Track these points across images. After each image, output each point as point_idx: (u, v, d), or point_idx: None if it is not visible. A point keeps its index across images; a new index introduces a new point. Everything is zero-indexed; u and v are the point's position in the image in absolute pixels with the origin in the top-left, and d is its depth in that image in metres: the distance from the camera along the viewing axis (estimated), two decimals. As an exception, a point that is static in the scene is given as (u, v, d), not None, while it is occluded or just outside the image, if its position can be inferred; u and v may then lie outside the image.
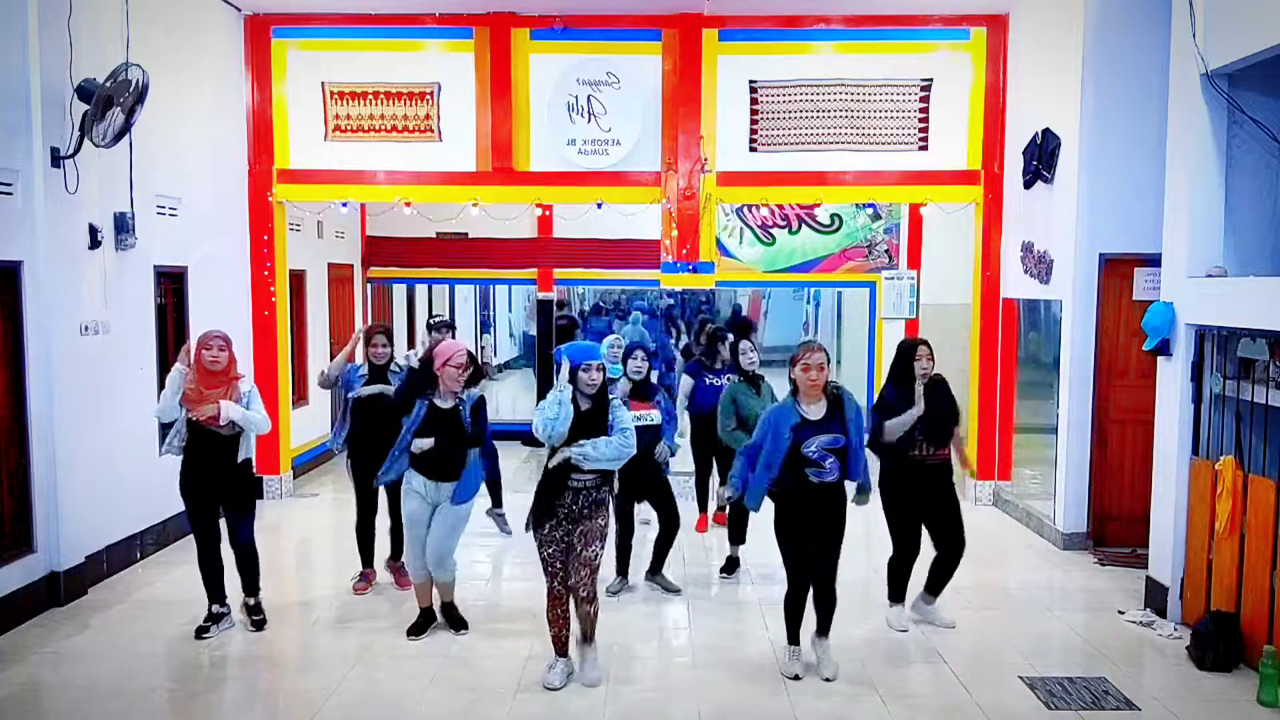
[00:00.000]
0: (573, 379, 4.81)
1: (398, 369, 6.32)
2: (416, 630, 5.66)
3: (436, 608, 5.75)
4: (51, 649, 5.49)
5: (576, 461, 4.78)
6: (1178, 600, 5.89)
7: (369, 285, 12.00)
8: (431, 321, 7.66)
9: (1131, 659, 5.44)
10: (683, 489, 7.56)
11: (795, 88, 8.88)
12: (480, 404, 5.54)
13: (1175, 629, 5.75)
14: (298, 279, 9.79)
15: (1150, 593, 6.14)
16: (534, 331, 12.88)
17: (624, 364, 6.42)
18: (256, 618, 5.77)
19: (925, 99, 8.86)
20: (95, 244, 6.52)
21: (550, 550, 4.91)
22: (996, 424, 8.83)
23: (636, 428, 5.53)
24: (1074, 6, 7.37)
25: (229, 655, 5.46)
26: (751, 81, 8.89)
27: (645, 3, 8.61)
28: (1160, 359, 6.06)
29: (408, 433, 5.41)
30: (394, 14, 8.73)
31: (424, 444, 5.35)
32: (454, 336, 7.22)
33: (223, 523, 5.70)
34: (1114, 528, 7.44)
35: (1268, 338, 5.23)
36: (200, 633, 5.63)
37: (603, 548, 4.99)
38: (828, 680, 5.04)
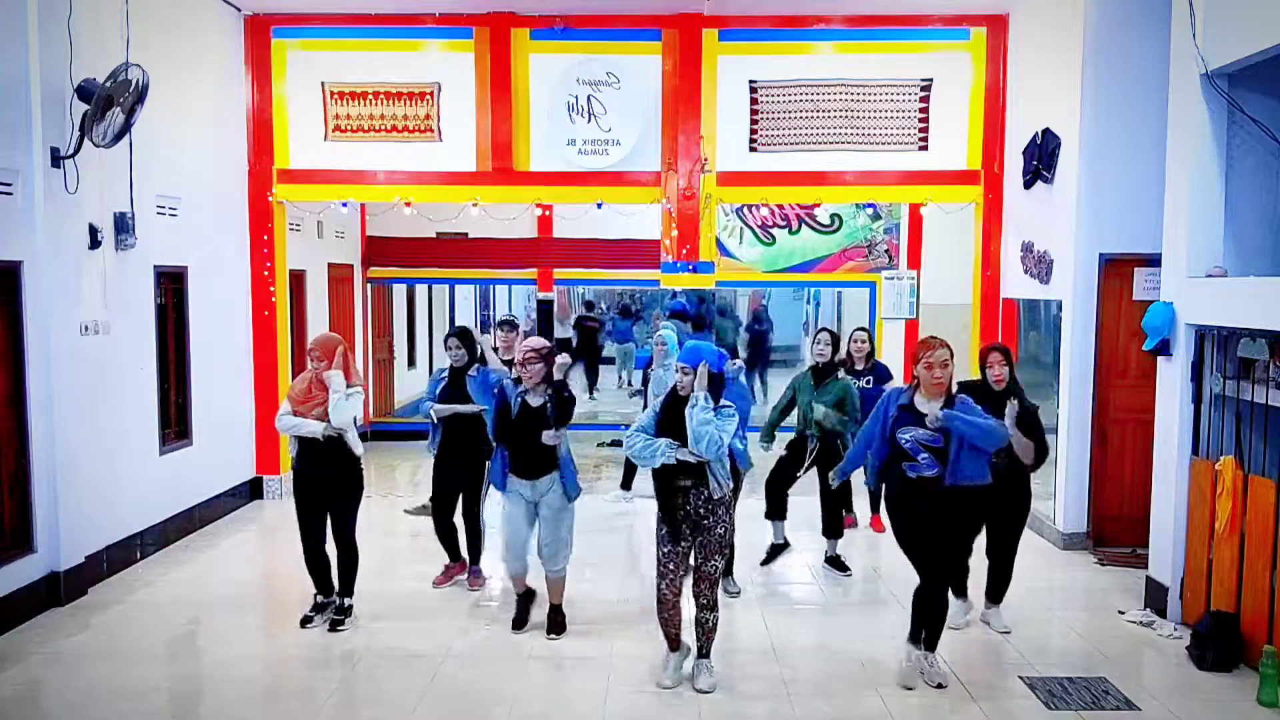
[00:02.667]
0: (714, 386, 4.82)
1: (472, 373, 6.32)
2: (519, 623, 5.72)
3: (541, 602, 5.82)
4: (51, 649, 5.49)
5: (684, 459, 4.74)
6: (1178, 600, 5.89)
7: (369, 285, 12.00)
8: (502, 320, 7.73)
9: (1131, 659, 5.44)
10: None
11: (795, 88, 8.88)
12: (560, 389, 5.54)
13: (1175, 629, 5.75)
14: (298, 279, 9.80)
15: (1150, 593, 6.14)
16: (533, 332, 12.87)
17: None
18: (339, 617, 5.81)
19: (925, 99, 8.86)
20: (95, 244, 6.52)
21: (665, 550, 4.88)
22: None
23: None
24: (1074, 6, 7.37)
25: (229, 655, 5.46)
26: (751, 81, 8.89)
27: (645, 3, 8.61)
28: (1160, 359, 6.06)
29: (500, 429, 5.53)
30: (394, 14, 8.73)
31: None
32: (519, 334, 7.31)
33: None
34: (1114, 528, 7.44)
35: (1268, 338, 5.23)
36: (305, 622, 5.81)
37: (723, 559, 4.96)
38: (940, 687, 4.94)
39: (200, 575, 6.89)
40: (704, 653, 5.02)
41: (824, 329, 7.04)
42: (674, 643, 5.03)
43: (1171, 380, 5.95)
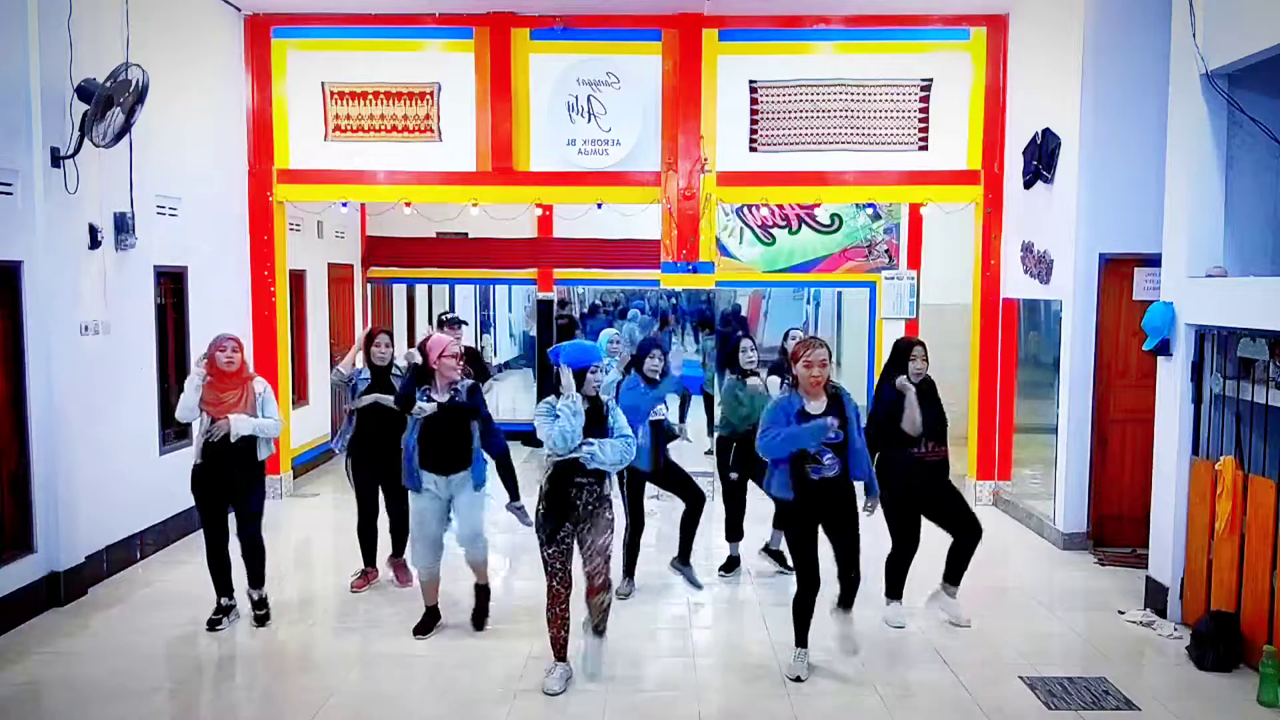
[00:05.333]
0: (579, 382, 4.82)
1: (398, 371, 6.34)
2: (423, 629, 5.68)
3: (461, 600, 5.84)
4: (51, 649, 5.49)
5: (584, 461, 4.79)
6: (1178, 600, 5.89)
7: (369, 285, 12.00)
8: (443, 318, 7.64)
9: (1131, 659, 5.44)
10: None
11: (795, 88, 8.88)
12: (474, 388, 5.60)
13: (1175, 629, 5.75)
14: (298, 279, 9.79)
15: (1150, 593, 6.14)
16: (534, 332, 12.88)
17: (639, 361, 6.31)
18: (260, 612, 5.83)
19: (925, 99, 8.86)
20: (95, 244, 6.52)
21: (552, 550, 4.91)
22: (996, 424, 8.83)
23: (652, 422, 5.95)
24: (1074, 6, 7.37)
25: (229, 655, 5.47)
26: (751, 81, 8.89)
27: (645, 3, 8.61)
28: (1160, 359, 6.06)
29: (411, 435, 5.46)
30: (394, 14, 8.73)
31: (427, 408, 5.40)
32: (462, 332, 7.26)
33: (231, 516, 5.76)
34: (1114, 528, 7.44)
35: (1268, 338, 5.23)
36: (212, 625, 5.72)
37: (612, 535, 5.03)
38: (854, 654, 5.10)
39: (200, 575, 6.84)
40: (599, 630, 5.08)
41: (745, 336, 7.02)
42: (562, 649, 5.02)
43: (1171, 380, 5.95)
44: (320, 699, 4.87)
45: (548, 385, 12.84)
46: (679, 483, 6.47)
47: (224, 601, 5.81)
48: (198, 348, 7.86)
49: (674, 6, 8.62)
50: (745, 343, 6.85)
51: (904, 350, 5.70)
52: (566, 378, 4.82)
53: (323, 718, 4.69)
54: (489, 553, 5.82)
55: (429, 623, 5.72)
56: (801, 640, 5.18)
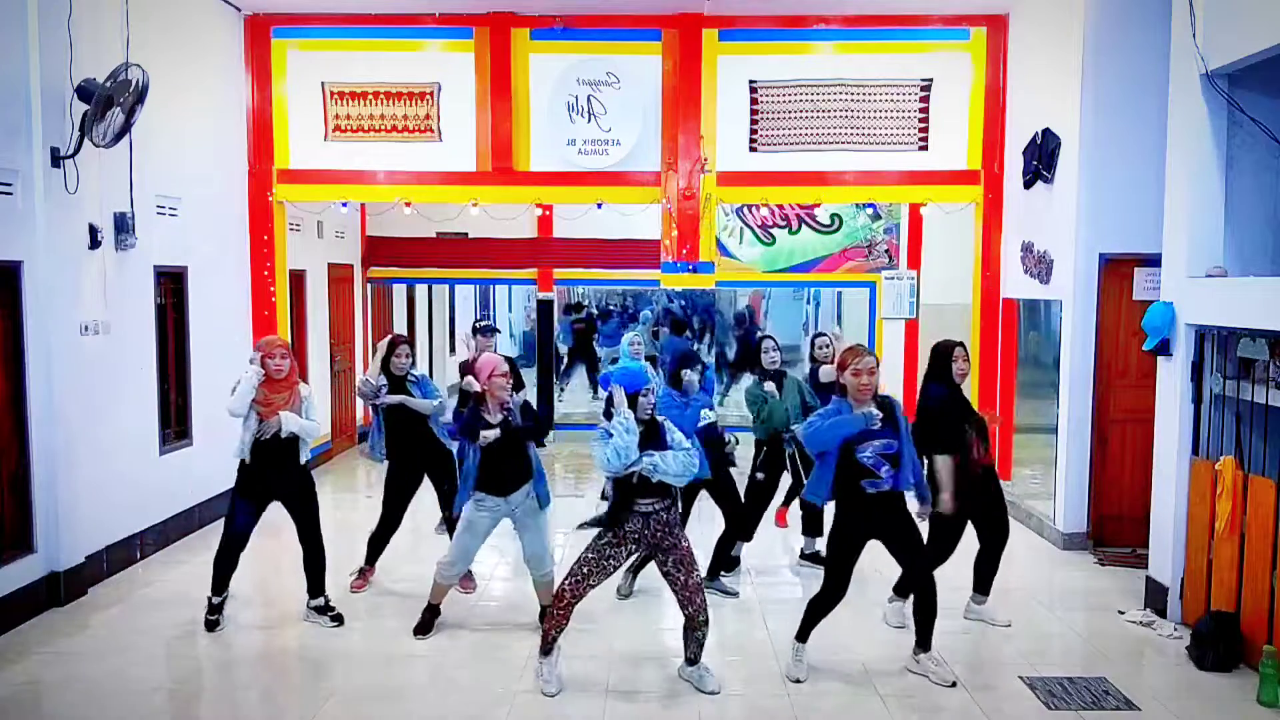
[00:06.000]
0: (631, 405, 4.76)
1: (413, 379, 6.33)
2: (424, 629, 5.67)
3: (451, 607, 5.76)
4: (51, 649, 5.48)
5: (646, 473, 4.70)
6: (1178, 600, 5.89)
7: (369, 285, 12.00)
8: (477, 325, 7.49)
9: (1131, 659, 5.44)
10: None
11: (795, 88, 8.88)
12: (526, 405, 5.59)
13: (1175, 629, 5.75)
14: (298, 279, 9.79)
15: (1150, 593, 6.14)
16: (535, 333, 12.87)
17: (675, 378, 6.17)
18: (333, 613, 5.85)
19: (925, 99, 8.86)
20: (95, 244, 6.52)
21: (593, 556, 4.84)
22: (996, 424, 8.82)
23: (702, 428, 5.82)
24: (1074, 6, 7.37)
25: (229, 655, 5.46)
26: (751, 81, 8.90)
27: (645, 3, 8.61)
28: (1160, 359, 6.06)
29: (468, 458, 5.46)
30: (394, 14, 8.73)
31: (490, 435, 5.35)
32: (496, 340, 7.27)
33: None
34: (1114, 528, 7.44)
35: (1268, 338, 5.23)
36: (211, 625, 5.73)
37: (697, 569, 4.94)
38: (951, 685, 4.97)
39: (200, 575, 6.83)
40: (696, 660, 5.01)
41: (767, 336, 6.92)
42: (551, 644, 4.97)
43: (1171, 380, 5.95)
44: (320, 699, 4.87)
45: (547, 384, 12.86)
46: (727, 496, 6.36)
47: (215, 600, 5.79)
48: (198, 348, 7.90)
49: (674, 6, 8.62)
50: (768, 343, 6.73)
51: (945, 353, 5.61)
52: (619, 396, 4.73)
53: (323, 718, 4.69)
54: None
55: (430, 621, 5.70)
56: (803, 635, 5.15)
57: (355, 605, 6.19)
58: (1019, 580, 6.84)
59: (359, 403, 11.44)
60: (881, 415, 4.82)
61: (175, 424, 7.76)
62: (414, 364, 6.41)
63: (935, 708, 4.81)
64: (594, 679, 5.10)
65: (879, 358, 4.96)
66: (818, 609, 5.12)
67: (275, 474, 5.68)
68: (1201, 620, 5.41)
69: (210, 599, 5.78)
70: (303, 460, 5.80)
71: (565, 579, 4.92)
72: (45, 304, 6.03)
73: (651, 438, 4.77)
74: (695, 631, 4.92)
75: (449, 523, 6.49)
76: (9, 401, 5.92)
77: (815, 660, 5.25)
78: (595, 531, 4.96)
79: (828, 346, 6.98)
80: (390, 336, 6.48)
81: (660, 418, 4.94)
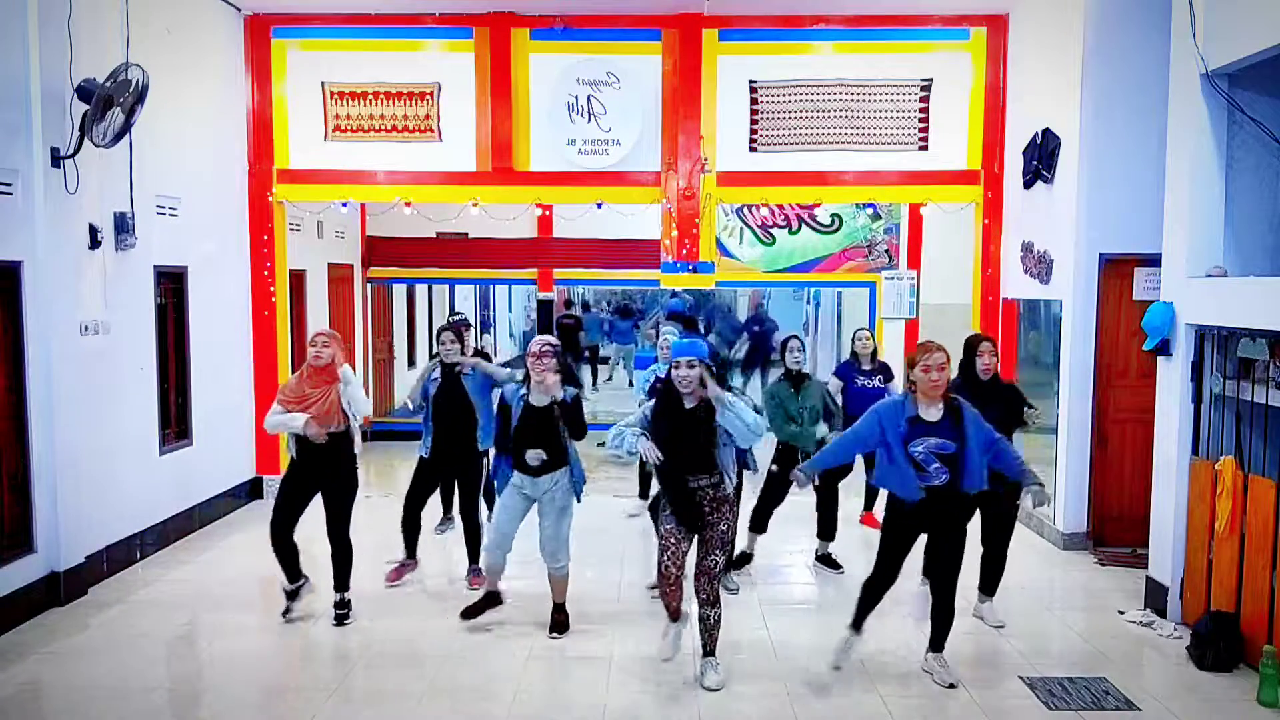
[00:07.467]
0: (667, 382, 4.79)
1: (468, 373, 6.32)
2: (473, 612, 5.70)
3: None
4: (51, 649, 5.48)
5: (730, 405, 4.67)
6: (1178, 600, 5.89)
7: (369, 285, 12.00)
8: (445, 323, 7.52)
9: (1131, 659, 5.44)
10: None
11: (795, 88, 8.88)
12: (578, 400, 5.55)
13: (1175, 629, 5.75)
14: (298, 279, 9.79)
15: (1150, 593, 6.14)
16: (535, 333, 12.88)
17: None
18: (342, 611, 5.84)
19: (925, 99, 8.86)
20: (95, 244, 6.52)
21: (669, 527, 4.88)
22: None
23: None
24: (1074, 6, 7.37)
25: (228, 655, 5.46)
26: (751, 81, 8.89)
27: (645, 3, 8.61)
28: (1160, 359, 6.06)
29: (503, 433, 5.50)
30: (394, 14, 8.73)
31: (537, 455, 5.37)
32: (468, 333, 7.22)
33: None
34: (1114, 528, 7.44)
35: (1268, 338, 5.23)
36: (286, 612, 5.84)
37: (724, 555, 4.98)
38: (950, 687, 4.95)
39: (200, 575, 6.88)
40: (709, 650, 5.02)
41: (794, 335, 6.87)
42: (675, 613, 5.02)
43: (1171, 380, 5.95)
44: (320, 699, 4.87)
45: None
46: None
47: (288, 588, 5.84)
48: (198, 348, 7.91)
49: (674, 6, 8.62)
50: (794, 342, 6.64)
51: (970, 347, 5.65)
52: (707, 381, 4.72)
53: (323, 718, 4.69)
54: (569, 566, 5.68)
55: (482, 606, 5.71)
56: (857, 624, 5.07)
57: (356, 605, 6.18)
58: (1019, 580, 6.83)
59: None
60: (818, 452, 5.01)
61: (175, 424, 7.76)
62: (461, 349, 6.39)
63: (935, 708, 4.81)
64: (594, 677, 5.09)
65: (948, 354, 4.85)
66: (868, 597, 5.07)
67: (320, 465, 5.65)
68: (1201, 620, 5.41)
69: (284, 588, 5.87)
70: (354, 450, 5.76)
71: (660, 555, 4.93)
72: (45, 304, 6.03)
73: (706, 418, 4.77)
74: (700, 612, 4.95)
75: (464, 521, 6.58)
76: (9, 401, 5.92)
77: (815, 660, 5.25)
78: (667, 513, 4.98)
79: (869, 338, 7.22)
80: (438, 328, 6.53)
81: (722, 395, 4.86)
